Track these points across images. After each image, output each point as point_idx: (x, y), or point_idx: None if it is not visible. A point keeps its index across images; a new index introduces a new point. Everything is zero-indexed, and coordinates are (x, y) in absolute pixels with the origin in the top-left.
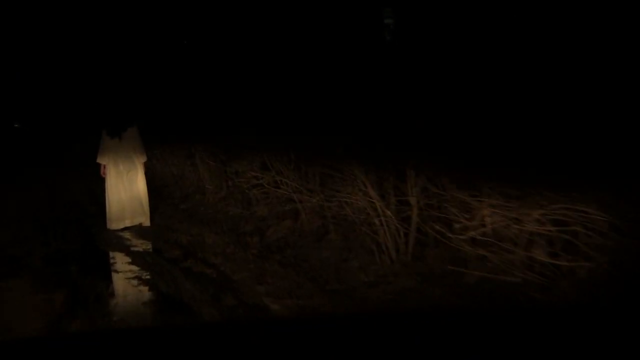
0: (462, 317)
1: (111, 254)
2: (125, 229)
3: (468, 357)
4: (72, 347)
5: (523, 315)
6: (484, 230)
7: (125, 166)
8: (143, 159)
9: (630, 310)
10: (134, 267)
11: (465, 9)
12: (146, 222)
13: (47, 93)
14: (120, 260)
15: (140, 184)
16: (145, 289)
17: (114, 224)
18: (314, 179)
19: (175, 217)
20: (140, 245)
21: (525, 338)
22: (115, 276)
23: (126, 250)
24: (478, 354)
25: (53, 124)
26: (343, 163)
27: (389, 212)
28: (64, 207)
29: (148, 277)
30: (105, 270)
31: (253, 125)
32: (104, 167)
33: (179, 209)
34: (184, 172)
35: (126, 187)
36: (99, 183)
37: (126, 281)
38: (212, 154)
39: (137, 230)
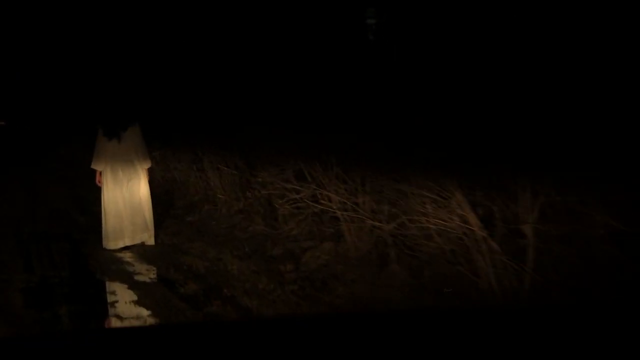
0: (461, 317)
1: (110, 286)
2: (125, 248)
3: (468, 357)
4: (70, 346)
5: (523, 315)
6: None
7: (125, 173)
8: (146, 164)
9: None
10: (142, 312)
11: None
12: (150, 240)
13: (36, 87)
14: (122, 299)
15: (142, 194)
16: None
17: (111, 243)
18: (363, 193)
19: (183, 233)
20: (146, 272)
21: (525, 338)
22: (118, 327)
23: (129, 281)
24: (478, 354)
25: (42, 121)
26: (411, 173)
27: (495, 245)
28: (51, 217)
29: None
30: (104, 315)
31: (254, 125)
32: (100, 174)
33: (185, 221)
34: (189, 178)
35: (126, 199)
36: (92, 189)
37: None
38: (223, 158)
39: (140, 251)
